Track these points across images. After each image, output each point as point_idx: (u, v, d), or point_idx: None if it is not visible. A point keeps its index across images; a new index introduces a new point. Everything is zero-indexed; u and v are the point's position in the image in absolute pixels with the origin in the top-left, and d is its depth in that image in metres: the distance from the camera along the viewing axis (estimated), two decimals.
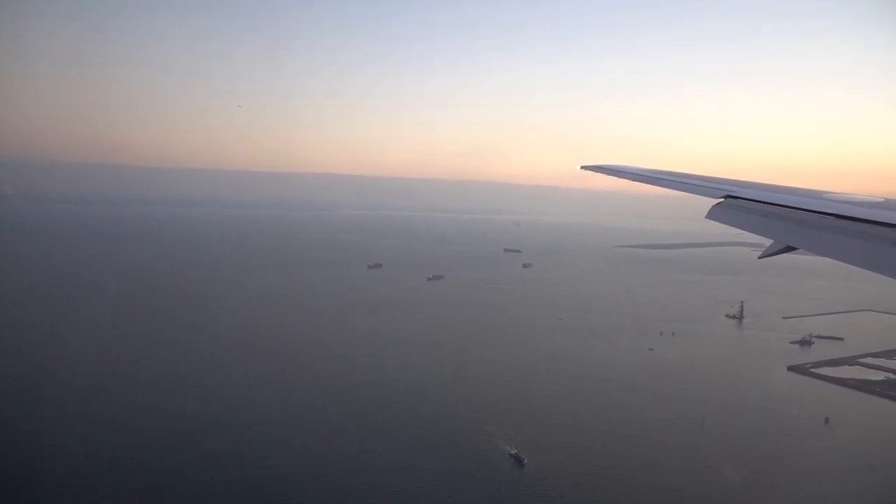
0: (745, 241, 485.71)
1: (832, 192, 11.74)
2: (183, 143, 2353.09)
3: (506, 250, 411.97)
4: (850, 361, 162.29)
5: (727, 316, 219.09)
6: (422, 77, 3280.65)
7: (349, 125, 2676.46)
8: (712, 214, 13.23)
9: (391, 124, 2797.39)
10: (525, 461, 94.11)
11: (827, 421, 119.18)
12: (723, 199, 13.30)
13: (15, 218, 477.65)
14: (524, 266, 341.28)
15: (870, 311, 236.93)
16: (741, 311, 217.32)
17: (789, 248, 10.92)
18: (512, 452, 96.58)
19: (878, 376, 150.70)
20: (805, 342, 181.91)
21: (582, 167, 21.20)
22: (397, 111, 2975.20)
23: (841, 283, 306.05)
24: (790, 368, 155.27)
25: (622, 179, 18.45)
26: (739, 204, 12.88)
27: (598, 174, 20.13)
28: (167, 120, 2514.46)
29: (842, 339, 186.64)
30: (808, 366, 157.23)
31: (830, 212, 10.27)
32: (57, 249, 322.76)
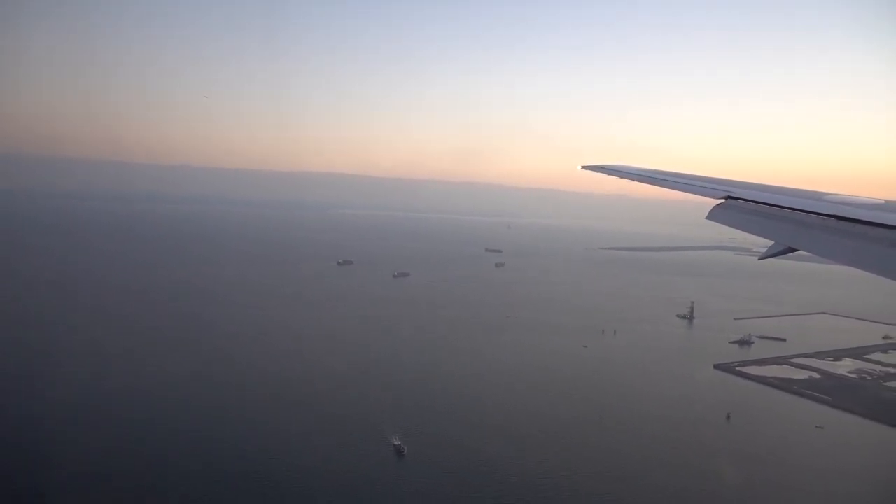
0: (733, 246, 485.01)
1: (832, 194, 11.67)
2: (188, 141, 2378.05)
3: (487, 250, 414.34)
4: (781, 361, 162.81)
5: (678, 316, 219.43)
6: (424, 78, 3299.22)
7: (352, 125, 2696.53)
8: (713, 215, 13.23)
9: (394, 125, 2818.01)
10: (405, 451, 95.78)
11: (728, 416, 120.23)
12: (723, 200, 13.32)
13: (23, 213, 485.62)
14: (497, 265, 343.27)
15: (826, 314, 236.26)
16: (692, 311, 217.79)
17: (790, 250, 10.85)
18: (395, 443, 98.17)
19: (802, 375, 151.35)
20: (745, 342, 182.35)
21: (583, 167, 21.52)
22: (400, 112, 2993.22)
23: (812, 287, 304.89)
24: (717, 367, 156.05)
25: (624, 183, 18.95)
26: (740, 205, 12.81)
27: (599, 176, 20.78)
28: (173, 117, 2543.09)
29: (784, 340, 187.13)
30: (735, 364, 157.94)
31: (831, 213, 10.17)
32: (64, 245, 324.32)
